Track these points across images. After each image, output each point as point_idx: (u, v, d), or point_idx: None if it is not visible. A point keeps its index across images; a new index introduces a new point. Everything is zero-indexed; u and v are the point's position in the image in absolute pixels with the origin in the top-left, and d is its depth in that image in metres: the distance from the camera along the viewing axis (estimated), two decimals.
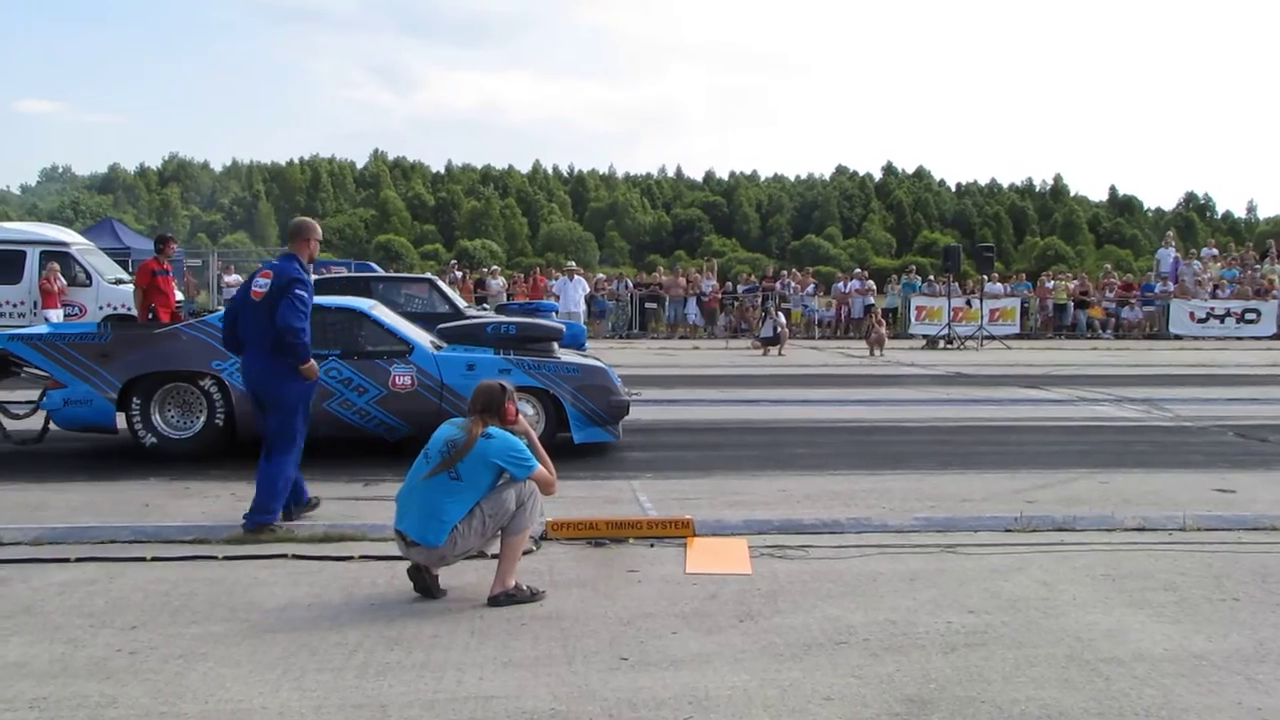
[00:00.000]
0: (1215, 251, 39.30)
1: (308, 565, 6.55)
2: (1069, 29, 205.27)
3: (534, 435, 6.23)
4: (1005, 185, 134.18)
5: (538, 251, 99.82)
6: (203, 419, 10.04)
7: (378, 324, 10.35)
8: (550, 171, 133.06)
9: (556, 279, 30.24)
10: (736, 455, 10.58)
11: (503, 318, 11.56)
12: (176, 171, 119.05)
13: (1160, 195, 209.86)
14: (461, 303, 18.45)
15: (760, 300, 31.42)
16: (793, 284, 33.45)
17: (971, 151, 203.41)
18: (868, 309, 31.45)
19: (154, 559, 6.64)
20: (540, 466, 5.98)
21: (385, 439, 10.13)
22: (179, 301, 18.59)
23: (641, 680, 4.75)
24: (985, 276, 31.87)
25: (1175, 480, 9.39)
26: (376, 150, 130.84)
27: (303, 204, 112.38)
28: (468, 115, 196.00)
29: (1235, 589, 6.21)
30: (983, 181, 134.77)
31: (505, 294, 29.62)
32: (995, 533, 7.43)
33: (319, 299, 10.54)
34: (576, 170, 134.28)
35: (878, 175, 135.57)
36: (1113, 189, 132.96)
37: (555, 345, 10.90)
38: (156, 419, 10.04)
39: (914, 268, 39.42)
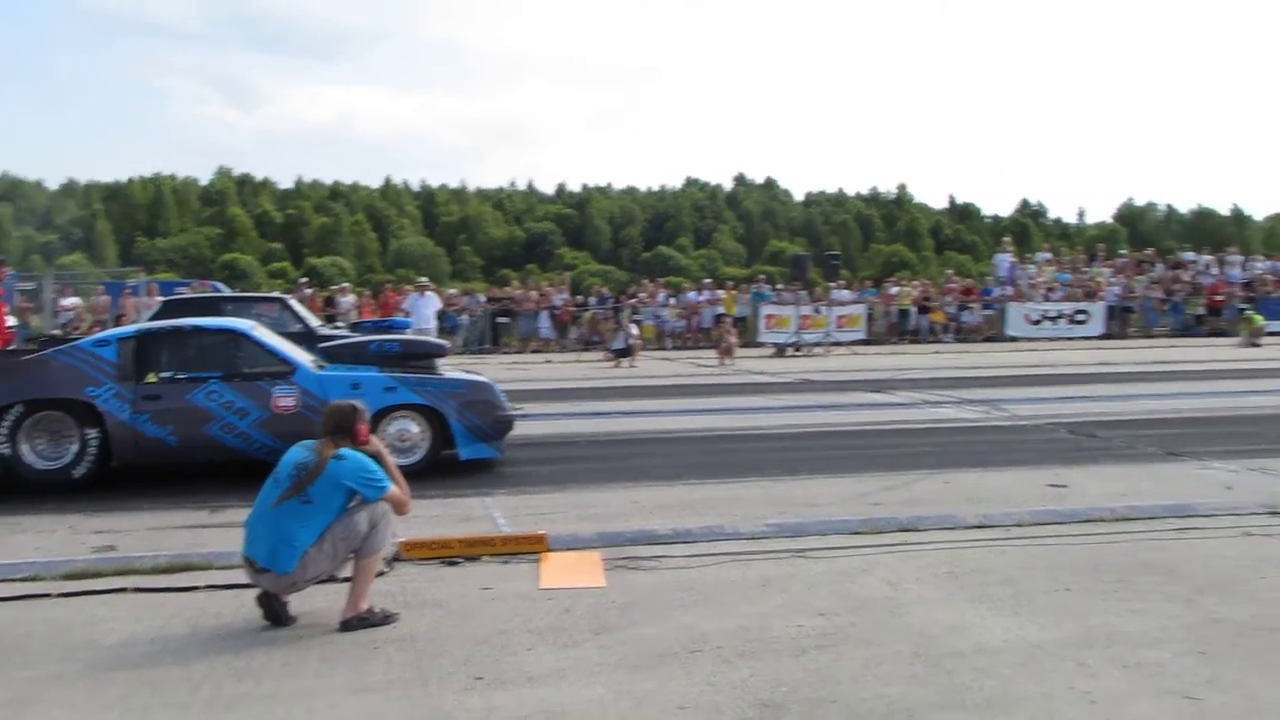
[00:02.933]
0: (1049, 255, 40.83)
1: (150, 598, 6.36)
2: (908, 41, 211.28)
3: (387, 455, 6.16)
4: (851, 194, 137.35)
5: (388, 268, 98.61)
6: (74, 448, 9.66)
7: (258, 344, 10.20)
8: (401, 186, 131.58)
9: (407, 295, 29.88)
10: (590, 468, 10.62)
11: (387, 336, 11.44)
12: (8, 190, 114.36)
13: (997, 203, 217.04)
14: (315, 321, 18.14)
15: (612, 313, 31.59)
16: (642, 295, 33.66)
17: (819, 162, 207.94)
18: (718, 319, 31.85)
19: None
20: (394, 487, 5.93)
21: (268, 463, 9.88)
22: (11, 326, 17.86)
23: (497, 699, 4.75)
24: (832, 284, 32.50)
25: (1012, 478, 9.72)
26: (222, 167, 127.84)
27: (144, 222, 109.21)
28: (317, 131, 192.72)
29: (1068, 580, 6.47)
30: (830, 191, 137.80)
31: (355, 311, 29.15)
32: (843, 535, 7.59)
33: (199, 320, 10.36)
34: (427, 185, 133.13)
35: (728, 186, 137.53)
36: (952, 197, 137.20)
37: (438, 362, 10.82)
38: (24, 449, 9.62)
39: (763, 276, 39.99)
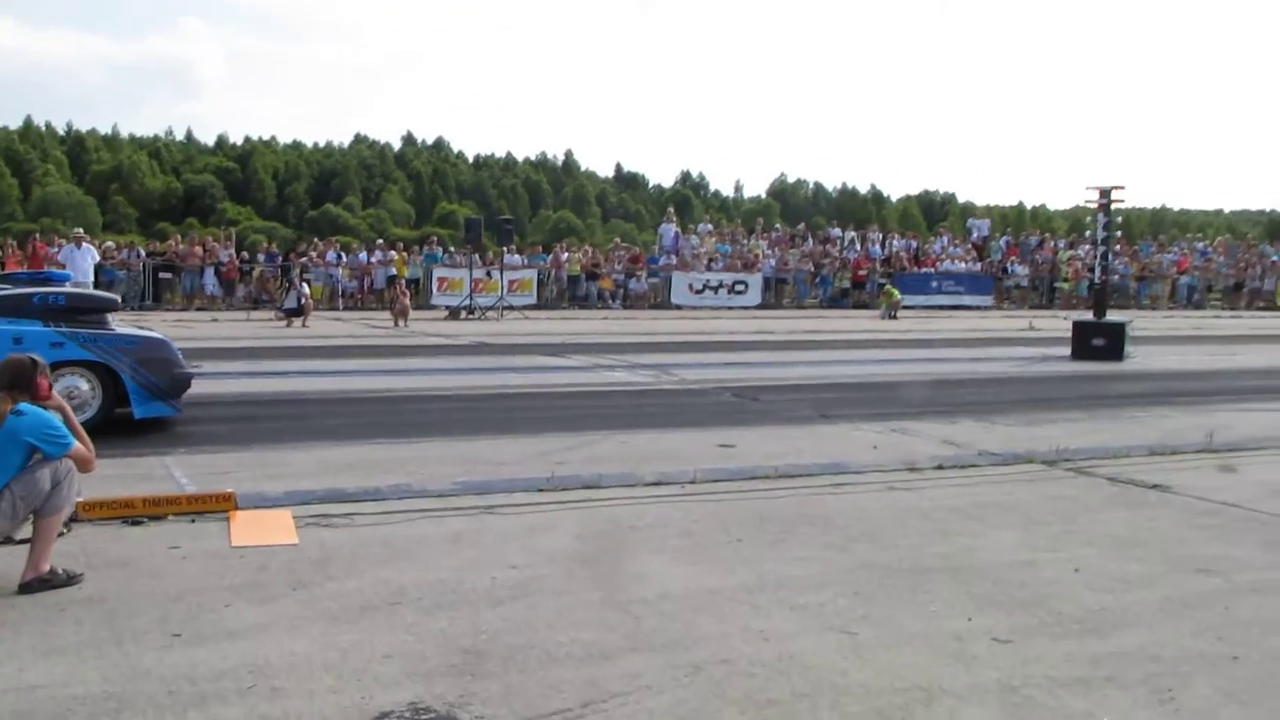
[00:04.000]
0: (710, 227, 42.66)
1: None
2: (579, 5, 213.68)
3: (69, 411, 5.95)
4: (520, 159, 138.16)
5: (30, 216, 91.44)
6: None
7: None
8: (44, 129, 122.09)
9: (60, 247, 28.06)
10: (272, 428, 10.47)
11: (51, 288, 10.75)
12: None
13: (660, 173, 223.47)
14: None
15: (281, 271, 30.77)
16: (313, 254, 32.91)
17: (488, 124, 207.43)
18: (390, 280, 31.58)
19: None
20: (77, 443, 5.74)
21: None
22: None
23: (198, 655, 4.74)
24: (505, 249, 32.82)
25: (684, 438, 10.31)
26: None
27: None
28: None
29: (739, 531, 7.00)
30: (499, 155, 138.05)
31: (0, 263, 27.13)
32: (530, 493, 7.89)
33: None
34: (75, 129, 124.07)
35: (397, 145, 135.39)
36: (619, 165, 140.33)
37: (109, 317, 10.32)
38: None
39: (435, 238, 39.88)
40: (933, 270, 38.43)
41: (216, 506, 7.15)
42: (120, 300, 11.22)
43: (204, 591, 5.59)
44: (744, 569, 6.17)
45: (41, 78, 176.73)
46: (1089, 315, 20.20)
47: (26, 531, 5.74)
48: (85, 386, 9.58)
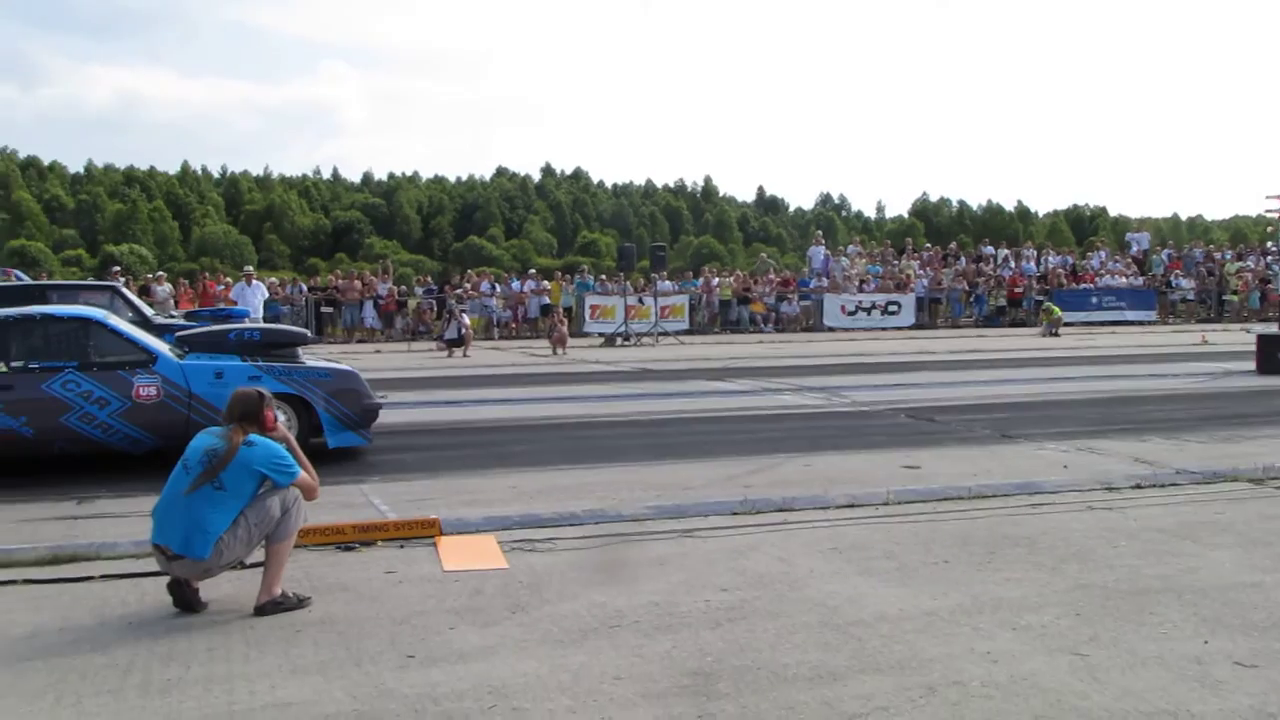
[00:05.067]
0: (859, 249, 42.31)
1: (44, 589, 6.23)
2: (712, 32, 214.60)
3: (293, 441, 6.19)
4: (659, 186, 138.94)
5: (191, 256, 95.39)
6: None
7: (115, 333, 9.98)
8: (201, 172, 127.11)
9: (225, 284, 29.19)
10: (457, 455, 10.70)
11: (246, 324, 11.20)
12: None
13: (799, 196, 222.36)
14: (149, 310, 17.58)
15: (437, 303, 31.45)
16: (467, 285, 33.57)
17: (625, 153, 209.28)
18: (544, 309, 32.05)
19: None
20: (303, 472, 5.95)
21: (131, 453, 9.71)
22: None
23: (435, 675, 4.85)
24: (656, 275, 32.98)
25: (867, 460, 10.22)
26: (5, 148, 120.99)
27: None
28: (102, 113, 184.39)
29: (943, 553, 6.90)
30: (638, 182, 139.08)
31: (173, 300, 28.30)
32: (723, 516, 7.90)
33: (51, 308, 10.02)
34: (229, 171, 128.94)
35: (537, 176, 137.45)
36: (760, 189, 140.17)
37: (299, 351, 10.73)
38: None
39: (585, 268, 40.31)
40: (1092, 286, 37.45)
41: (423, 532, 7.32)
42: (310, 335, 11.59)
43: (426, 614, 5.73)
44: (956, 591, 6.07)
45: (197, 124, 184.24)
46: (1274, 328, 19.41)
47: (256, 556, 5.97)
48: (282, 418, 9.89)
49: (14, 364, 9.57)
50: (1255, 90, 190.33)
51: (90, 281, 25.21)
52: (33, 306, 11.22)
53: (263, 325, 11.36)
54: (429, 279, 38.39)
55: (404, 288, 35.09)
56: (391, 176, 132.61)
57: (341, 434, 10.19)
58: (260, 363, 10.07)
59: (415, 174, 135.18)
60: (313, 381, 10.13)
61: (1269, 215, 19.15)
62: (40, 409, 9.38)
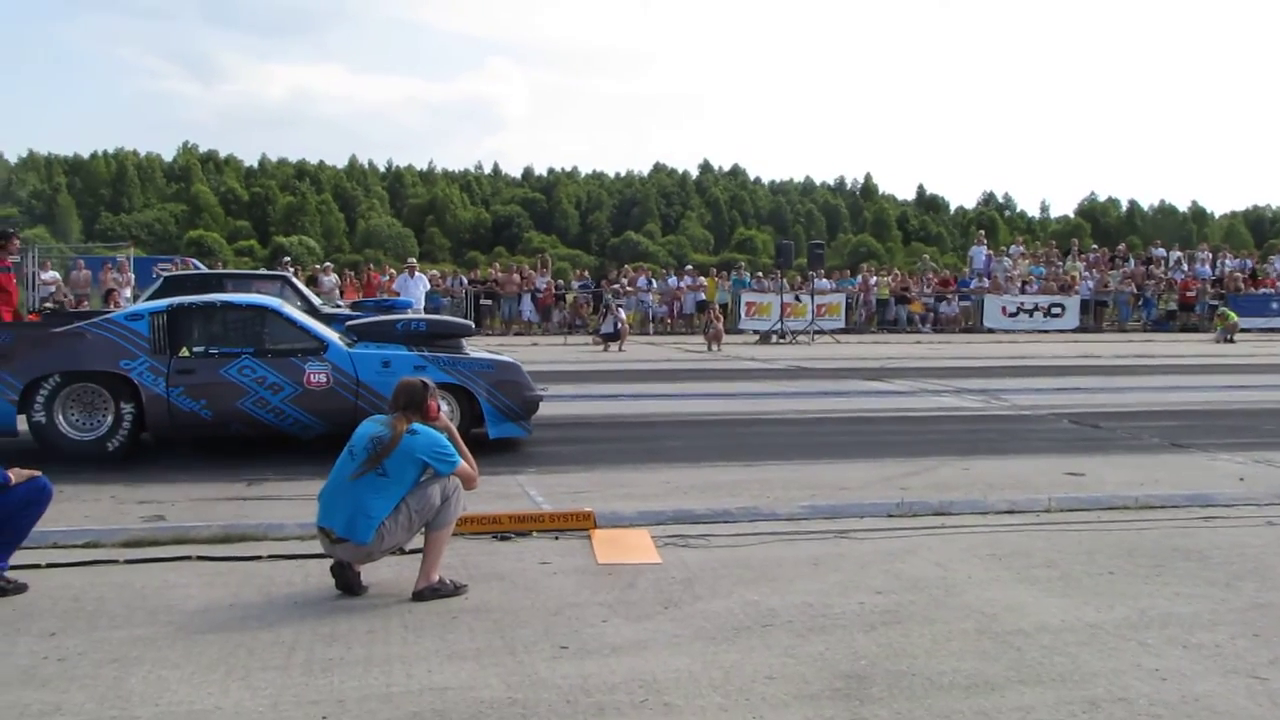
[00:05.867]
0: (1022, 249, 41.28)
1: (215, 566, 6.47)
2: (876, 31, 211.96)
3: (455, 431, 6.30)
4: (818, 183, 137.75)
5: (355, 248, 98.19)
6: (109, 419, 9.79)
7: (290, 321, 10.42)
8: (367, 166, 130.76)
9: (389, 275, 29.94)
10: (613, 449, 10.78)
11: (411, 315, 11.49)
12: None
13: (960, 195, 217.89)
14: (316, 300, 18.13)
15: (593, 297, 31.72)
16: (624, 281, 33.80)
17: (785, 151, 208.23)
18: (700, 305, 32.07)
19: (49, 565, 6.44)
20: (463, 462, 6.06)
21: (300, 437, 10.13)
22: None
23: (588, 667, 4.89)
24: (814, 273, 32.72)
25: (1028, 465, 9.96)
26: (186, 143, 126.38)
27: (108, 198, 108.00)
28: (278, 109, 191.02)
29: (1108, 564, 6.68)
30: (797, 179, 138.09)
31: (339, 291, 29.15)
32: (879, 518, 7.78)
33: (229, 296, 10.43)
34: (394, 165, 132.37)
35: (695, 173, 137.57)
36: (920, 188, 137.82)
37: (463, 342, 10.99)
38: (60, 420, 9.72)
39: (742, 264, 40.22)
40: (1272, 291, 35.82)
41: (577, 525, 7.38)
42: (474, 326, 11.80)
43: (580, 606, 5.77)
44: (1122, 603, 5.87)
45: (364, 119, 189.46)
46: None
47: (415, 542, 6.10)
48: (445, 408, 10.10)
49: (195, 349, 9.96)
50: None
51: (262, 271, 26.10)
52: (212, 294, 11.66)
53: (428, 316, 11.69)
54: (586, 274, 38.66)
55: (561, 282, 35.54)
56: (551, 172, 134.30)
57: (502, 425, 10.36)
58: (425, 353, 10.28)
59: (574, 169, 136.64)
60: (476, 373, 10.30)
61: None
62: (218, 393, 9.81)
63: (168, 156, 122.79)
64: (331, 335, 10.42)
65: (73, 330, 10.02)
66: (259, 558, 6.61)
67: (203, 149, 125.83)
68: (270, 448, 9.97)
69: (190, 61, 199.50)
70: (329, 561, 6.01)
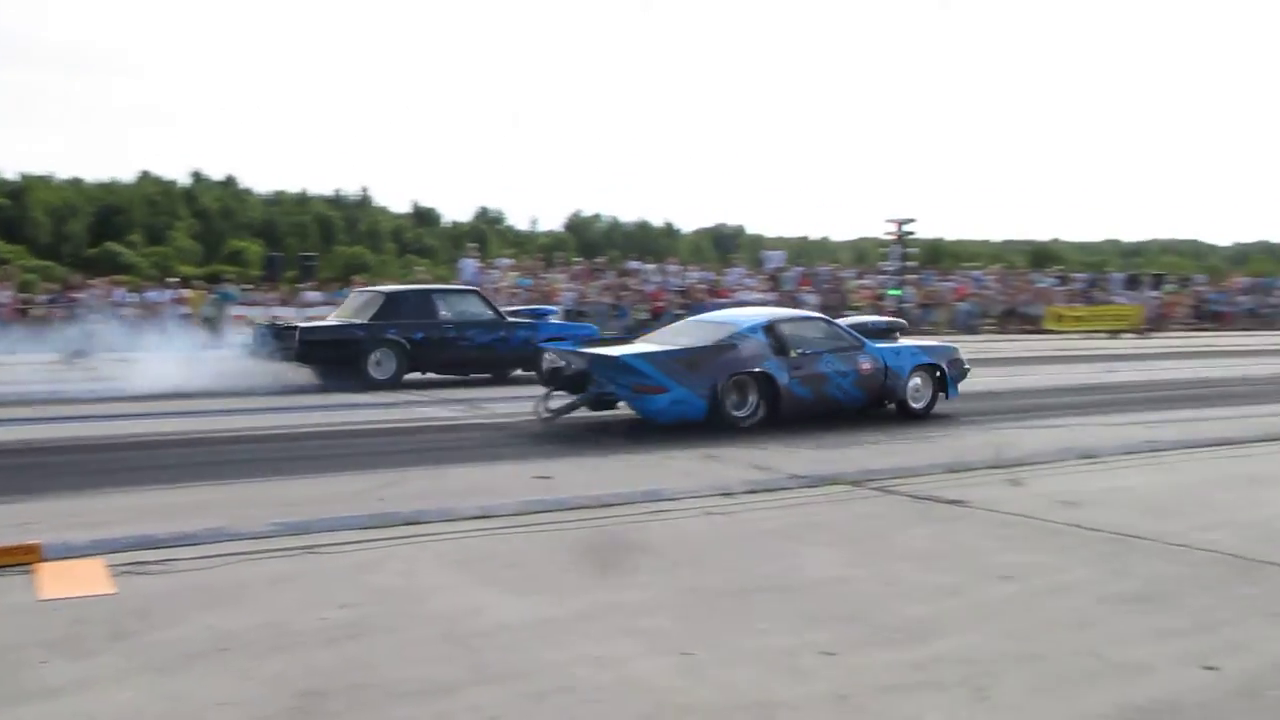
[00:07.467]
0: (511, 261, 42.62)
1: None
2: (355, 42, 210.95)
3: None
4: (315, 195, 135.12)
5: None
6: (754, 402, 12.91)
7: (838, 328, 14.12)
8: None
9: None
10: (66, 477, 9.96)
11: (871, 318, 16.96)
12: None
13: (458, 209, 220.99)
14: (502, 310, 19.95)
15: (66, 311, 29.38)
16: (96, 292, 31.51)
17: (282, 162, 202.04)
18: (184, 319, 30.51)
19: None
20: None
21: (848, 409, 13.74)
22: None
23: (22, 715, 4.55)
24: (303, 286, 31.98)
25: (500, 471, 10.33)
26: None
27: None
28: None
29: (566, 561, 7.09)
30: (293, 191, 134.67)
31: None
32: (353, 531, 7.73)
33: (809, 314, 16.20)
34: None
35: (187, 181, 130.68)
36: (415, 203, 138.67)
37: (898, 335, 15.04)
38: (727, 405, 12.72)
39: (229, 276, 38.68)
40: (728, 300, 39.21)
41: (20, 559, 6.79)
42: (905, 324, 17.37)
43: (18, 649, 5.35)
44: (576, 597, 6.26)
45: None
46: None
47: None
48: (920, 382, 14.39)
49: (798, 351, 13.26)
50: (877, 117, 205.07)
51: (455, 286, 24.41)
52: (782, 310, 17.11)
53: (882, 320, 16.40)
54: (53, 287, 35.64)
55: (28, 295, 32.51)
56: (23, 176, 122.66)
57: (954, 389, 14.66)
58: (909, 345, 14.64)
59: (50, 175, 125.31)
60: (940, 356, 14.56)
61: (885, 237, 20.76)
62: (816, 381, 13.36)
63: None
64: (861, 336, 14.01)
65: (729, 344, 13.03)
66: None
67: None
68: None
69: None
70: None
